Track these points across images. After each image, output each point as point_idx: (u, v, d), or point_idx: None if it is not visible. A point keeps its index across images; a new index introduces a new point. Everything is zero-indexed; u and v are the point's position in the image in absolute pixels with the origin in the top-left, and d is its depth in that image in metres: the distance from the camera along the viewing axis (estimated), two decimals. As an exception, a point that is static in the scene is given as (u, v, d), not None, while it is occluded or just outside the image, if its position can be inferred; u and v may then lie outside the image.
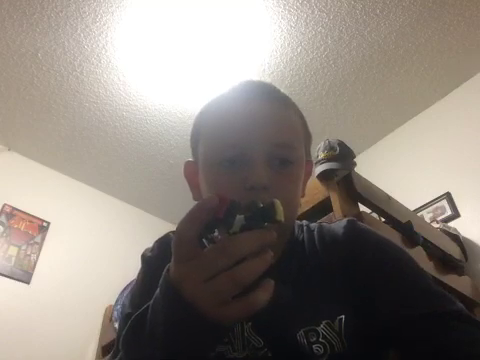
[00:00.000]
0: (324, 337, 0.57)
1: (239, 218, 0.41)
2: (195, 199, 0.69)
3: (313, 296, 0.60)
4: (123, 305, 2.00)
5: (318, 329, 0.57)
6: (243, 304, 0.40)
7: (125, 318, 0.65)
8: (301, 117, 0.69)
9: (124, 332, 0.50)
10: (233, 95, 0.67)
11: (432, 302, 0.56)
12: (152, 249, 0.73)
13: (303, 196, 0.70)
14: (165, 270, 0.45)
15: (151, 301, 0.47)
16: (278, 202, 0.43)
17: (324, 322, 0.58)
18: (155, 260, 0.69)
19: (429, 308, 0.54)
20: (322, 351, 0.56)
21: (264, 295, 0.40)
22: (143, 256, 0.73)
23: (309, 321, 0.58)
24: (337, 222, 0.70)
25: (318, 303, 0.59)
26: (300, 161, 0.65)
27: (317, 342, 0.57)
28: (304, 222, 0.72)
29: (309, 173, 0.73)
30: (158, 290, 0.46)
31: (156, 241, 0.74)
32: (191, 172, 0.70)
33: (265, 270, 0.40)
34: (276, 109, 0.64)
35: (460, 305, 0.56)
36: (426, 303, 0.56)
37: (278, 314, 0.57)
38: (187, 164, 0.72)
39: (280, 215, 0.42)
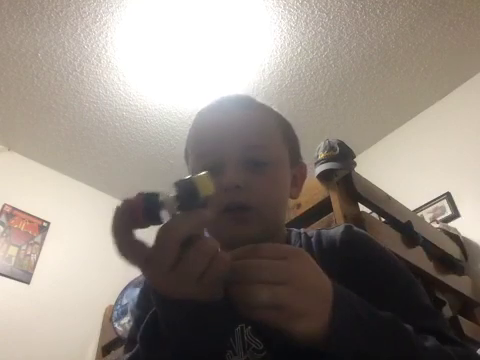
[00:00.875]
0: None
1: (166, 202, 0.39)
2: None
3: None
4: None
5: None
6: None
7: (136, 319, 0.69)
8: (280, 120, 0.71)
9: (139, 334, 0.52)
10: (209, 108, 0.71)
11: (420, 316, 0.58)
12: None
13: (294, 198, 0.72)
14: None
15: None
16: (203, 176, 0.40)
17: None
18: None
19: (417, 321, 0.54)
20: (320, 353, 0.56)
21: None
22: None
23: None
24: (335, 228, 0.70)
25: None
26: (278, 162, 0.66)
27: None
28: (302, 230, 0.73)
29: (303, 175, 0.74)
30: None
31: None
32: None
33: (216, 249, 0.41)
34: (246, 114, 0.68)
35: (442, 323, 0.59)
36: (416, 316, 0.57)
37: None
38: None
39: (204, 189, 0.39)
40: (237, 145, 0.63)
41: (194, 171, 0.67)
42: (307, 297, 0.42)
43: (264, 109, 0.71)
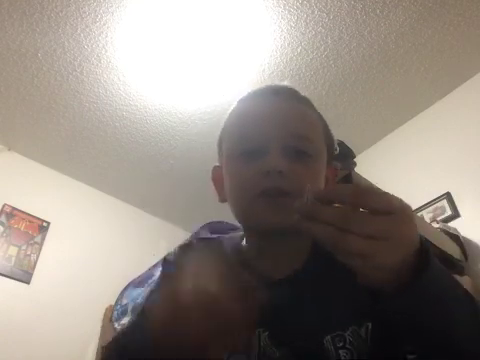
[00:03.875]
0: (351, 343, 0.56)
1: None
2: (221, 201, 0.72)
3: (340, 301, 0.59)
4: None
5: (345, 334, 0.57)
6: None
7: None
8: (322, 119, 0.73)
9: None
10: (254, 95, 0.71)
11: None
12: (174, 253, 0.74)
13: None
14: None
15: None
16: None
17: (351, 328, 0.57)
18: None
19: None
20: (349, 357, 0.55)
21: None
22: (164, 259, 0.74)
23: (336, 326, 0.57)
24: None
25: (346, 308, 0.58)
26: (319, 156, 0.66)
27: (344, 347, 0.56)
28: None
29: (333, 178, 0.74)
30: None
31: (178, 246, 0.75)
32: (217, 176, 0.73)
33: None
34: (294, 104, 0.68)
35: None
36: None
37: (302, 321, 0.57)
38: (214, 169, 0.76)
39: None
40: (284, 132, 0.63)
41: (230, 155, 0.67)
42: (397, 254, 0.42)
43: (310, 103, 0.72)
